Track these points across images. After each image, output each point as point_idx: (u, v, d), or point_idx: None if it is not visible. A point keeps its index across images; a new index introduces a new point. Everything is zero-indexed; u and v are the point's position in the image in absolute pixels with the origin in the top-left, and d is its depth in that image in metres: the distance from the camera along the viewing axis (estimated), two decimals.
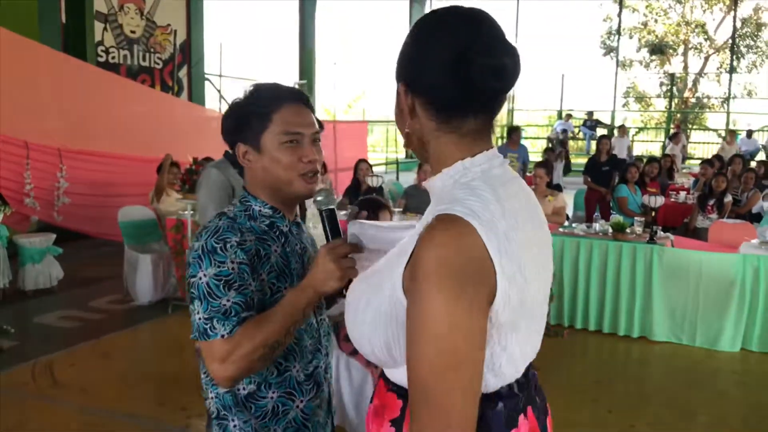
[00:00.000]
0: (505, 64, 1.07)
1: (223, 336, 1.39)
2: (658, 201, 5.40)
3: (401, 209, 6.58)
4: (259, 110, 1.53)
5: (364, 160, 7.22)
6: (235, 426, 1.54)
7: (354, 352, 3.24)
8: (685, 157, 16.39)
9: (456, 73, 1.07)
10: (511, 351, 1.09)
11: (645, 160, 9.83)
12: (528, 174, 8.94)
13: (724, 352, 5.14)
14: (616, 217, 5.67)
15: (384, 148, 20.69)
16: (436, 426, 0.97)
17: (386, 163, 17.77)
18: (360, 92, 20.40)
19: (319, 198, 1.50)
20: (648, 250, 5.31)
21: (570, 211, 9.00)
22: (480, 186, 1.08)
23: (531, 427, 1.14)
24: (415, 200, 6.91)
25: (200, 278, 1.40)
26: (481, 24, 1.09)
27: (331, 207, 1.50)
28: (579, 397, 4.30)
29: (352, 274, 1.39)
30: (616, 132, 16.36)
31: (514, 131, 9.62)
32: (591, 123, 18.71)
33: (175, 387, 4.23)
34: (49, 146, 7.57)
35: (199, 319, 1.40)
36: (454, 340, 0.97)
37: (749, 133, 17.13)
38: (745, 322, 5.15)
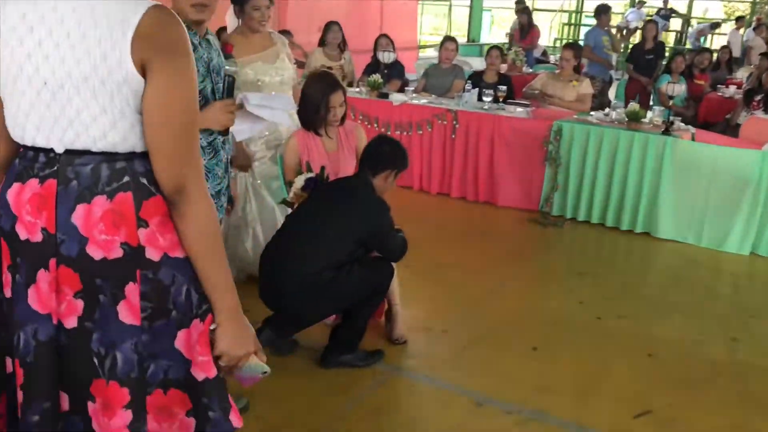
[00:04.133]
0: None
1: None
2: (677, 89, 4.97)
3: (413, 90, 6.33)
4: None
5: (384, 35, 6.89)
6: None
7: None
8: None
9: None
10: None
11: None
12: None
13: (730, 255, 4.83)
14: (633, 105, 5.26)
15: (447, 30, 19.85)
16: None
17: None
18: None
19: (227, 67, 2.34)
20: (661, 141, 4.94)
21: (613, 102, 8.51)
22: None
23: (38, 194, 1.29)
24: (433, 80, 6.62)
25: None
26: None
27: (233, 77, 2.29)
28: (554, 287, 4.17)
29: (229, 123, 2.31)
30: (732, 24, 14.91)
31: (603, 11, 8.22)
32: (665, 12, 17.30)
33: None
34: None
35: None
36: None
37: None
38: (757, 224, 4.80)
